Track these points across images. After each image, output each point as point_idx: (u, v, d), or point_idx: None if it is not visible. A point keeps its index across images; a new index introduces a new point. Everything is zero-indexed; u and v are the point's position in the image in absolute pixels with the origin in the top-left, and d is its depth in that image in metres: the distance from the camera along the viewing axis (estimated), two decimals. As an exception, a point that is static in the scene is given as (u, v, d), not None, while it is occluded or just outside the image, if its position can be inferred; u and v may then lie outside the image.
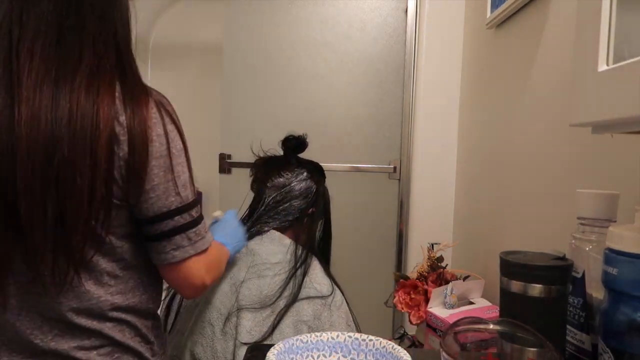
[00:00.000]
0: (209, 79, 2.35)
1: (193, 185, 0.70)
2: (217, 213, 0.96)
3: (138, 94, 0.64)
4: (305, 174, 1.05)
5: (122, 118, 0.61)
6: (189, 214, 0.68)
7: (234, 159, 1.71)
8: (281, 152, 1.09)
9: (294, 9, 1.69)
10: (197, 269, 0.70)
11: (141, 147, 0.62)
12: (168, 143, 0.65)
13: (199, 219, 0.70)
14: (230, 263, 0.94)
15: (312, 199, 1.05)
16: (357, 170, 1.69)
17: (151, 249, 0.68)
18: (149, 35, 2.41)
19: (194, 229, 0.69)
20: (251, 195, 1.08)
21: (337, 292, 0.96)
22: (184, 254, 0.68)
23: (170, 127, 0.66)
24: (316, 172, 1.08)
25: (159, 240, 0.67)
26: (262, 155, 1.10)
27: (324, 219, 1.11)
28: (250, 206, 1.06)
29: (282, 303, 0.90)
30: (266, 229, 1.00)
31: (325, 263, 1.06)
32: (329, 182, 1.65)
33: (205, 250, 0.71)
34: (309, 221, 1.06)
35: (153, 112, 0.64)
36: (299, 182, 1.03)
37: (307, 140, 1.08)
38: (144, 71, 2.75)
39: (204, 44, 2.37)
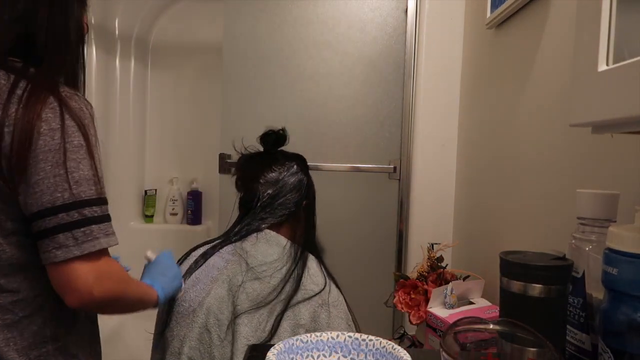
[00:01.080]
0: (209, 79, 2.35)
1: (96, 184, 0.67)
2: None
3: (38, 89, 0.65)
4: (295, 167, 1.04)
5: (12, 110, 0.63)
6: (79, 212, 0.64)
7: (234, 159, 1.71)
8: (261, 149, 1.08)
9: (294, 9, 1.69)
10: (84, 274, 0.65)
11: (24, 139, 0.62)
12: (63, 138, 0.64)
13: (94, 219, 0.66)
14: (163, 306, 0.93)
15: (305, 191, 1.05)
16: (357, 170, 1.69)
17: (39, 249, 0.65)
18: (149, 35, 2.41)
19: (82, 229, 0.64)
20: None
21: (333, 287, 0.95)
22: (66, 254, 0.63)
23: (70, 123, 0.65)
24: (303, 164, 1.08)
25: (43, 238, 0.64)
26: (244, 153, 1.09)
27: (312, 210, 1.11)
28: (243, 205, 1.04)
29: (279, 307, 0.89)
30: (263, 226, 0.99)
31: (317, 253, 1.05)
32: (329, 182, 1.65)
33: (97, 256, 0.66)
34: (304, 214, 1.06)
35: (49, 107, 0.64)
36: (291, 175, 1.02)
37: (287, 134, 1.07)
38: (143, 71, 2.75)
39: (203, 44, 2.37)
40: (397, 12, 1.65)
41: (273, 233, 0.99)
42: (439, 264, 1.24)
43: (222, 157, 1.73)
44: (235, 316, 0.88)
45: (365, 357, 0.60)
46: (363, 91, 1.68)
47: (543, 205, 0.93)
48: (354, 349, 0.61)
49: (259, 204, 0.99)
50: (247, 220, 1.01)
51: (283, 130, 1.07)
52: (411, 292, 1.19)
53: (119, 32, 2.27)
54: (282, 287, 0.90)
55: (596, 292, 0.54)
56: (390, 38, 1.66)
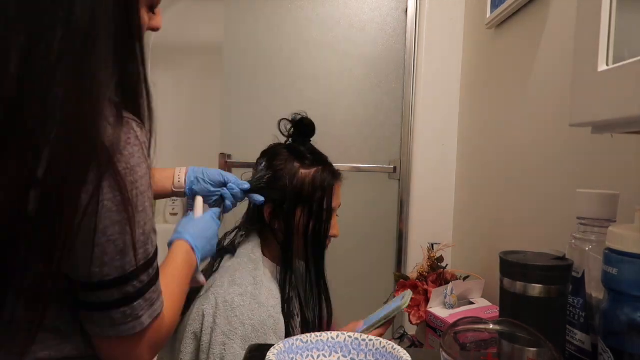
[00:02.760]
0: (209, 79, 2.35)
1: (138, 249, 0.54)
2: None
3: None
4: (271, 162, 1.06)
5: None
6: (121, 289, 0.53)
7: (234, 159, 1.71)
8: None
9: (294, 9, 1.69)
10: (128, 352, 0.56)
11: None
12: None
13: (138, 293, 0.54)
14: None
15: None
16: (357, 170, 1.69)
17: (90, 318, 0.54)
18: (149, 35, 2.41)
19: (121, 309, 0.53)
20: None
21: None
22: (142, 325, 0.55)
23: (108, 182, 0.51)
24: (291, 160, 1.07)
25: (107, 310, 0.53)
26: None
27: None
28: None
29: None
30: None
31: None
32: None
33: (140, 332, 0.55)
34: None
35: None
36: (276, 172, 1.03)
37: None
38: (144, 71, 2.67)
39: (204, 44, 2.37)
40: (397, 12, 1.65)
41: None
42: (439, 264, 1.24)
43: (222, 157, 1.73)
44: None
45: (365, 357, 0.60)
46: (363, 91, 1.68)
47: (543, 205, 0.93)
48: (354, 349, 0.61)
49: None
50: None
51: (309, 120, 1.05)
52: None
53: (119, 32, 2.27)
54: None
55: (596, 292, 0.54)
56: (390, 38, 1.66)
